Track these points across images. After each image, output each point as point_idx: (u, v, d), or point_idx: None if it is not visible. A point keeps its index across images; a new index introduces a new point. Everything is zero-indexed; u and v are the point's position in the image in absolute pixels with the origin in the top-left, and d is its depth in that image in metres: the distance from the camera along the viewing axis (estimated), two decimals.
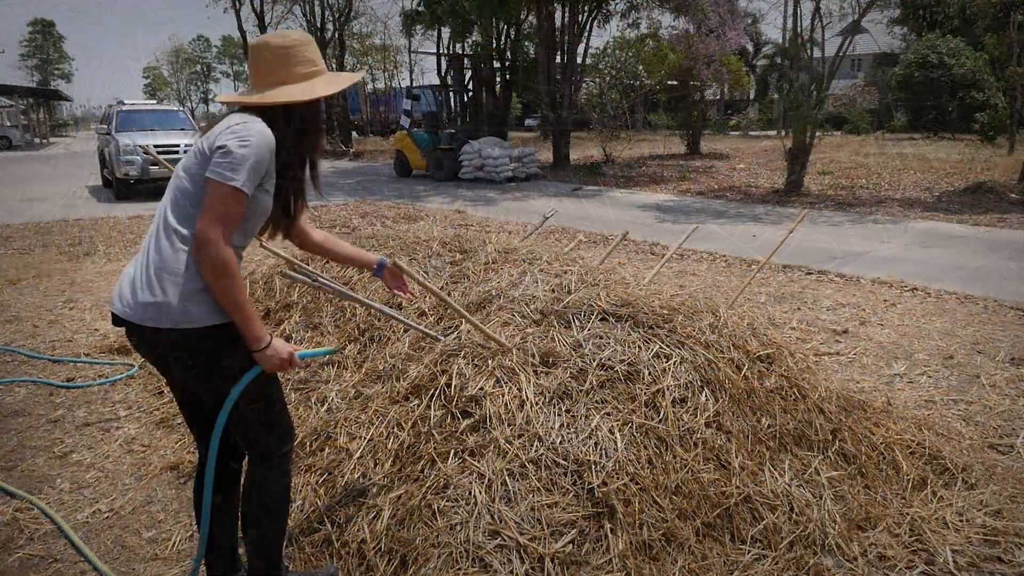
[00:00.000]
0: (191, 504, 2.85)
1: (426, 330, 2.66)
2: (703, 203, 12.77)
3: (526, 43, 23.91)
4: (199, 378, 1.95)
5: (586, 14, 19.36)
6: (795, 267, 7.15)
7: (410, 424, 2.64)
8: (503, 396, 2.52)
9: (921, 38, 29.80)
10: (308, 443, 2.87)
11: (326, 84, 1.99)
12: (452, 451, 2.44)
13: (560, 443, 2.36)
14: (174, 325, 1.83)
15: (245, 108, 1.95)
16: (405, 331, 3.26)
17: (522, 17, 22.32)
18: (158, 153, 14.91)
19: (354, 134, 32.92)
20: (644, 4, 20.90)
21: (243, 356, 1.93)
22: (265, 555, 2.13)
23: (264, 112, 1.92)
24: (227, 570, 2.24)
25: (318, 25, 30.44)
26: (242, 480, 2.18)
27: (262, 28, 30.82)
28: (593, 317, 2.83)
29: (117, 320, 1.93)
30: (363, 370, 3.17)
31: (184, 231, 1.85)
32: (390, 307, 3.45)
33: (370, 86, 41.33)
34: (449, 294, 3.37)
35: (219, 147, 1.82)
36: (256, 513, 2.10)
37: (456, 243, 4.02)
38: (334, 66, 31.59)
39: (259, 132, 1.85)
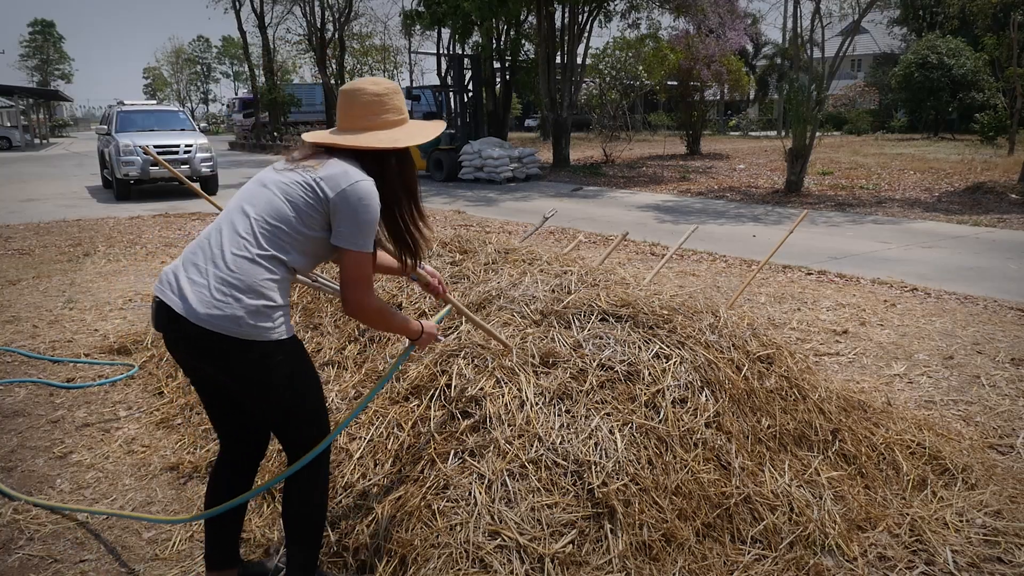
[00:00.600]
0: (191, 504, 2.85)
1: None
2: (703, 203, 12.77)
3: (525, 42, 23.92)
4: (251, 388, 1.95)
5: (586, 14, 19.37)
6: (795, 267, 7.15)
7: (410, 425, 2.64)
8: (503, 396, 2.52)
9: (921, 38, 29.82)
10: None
11: (408, 135, 2.04)
12: (452, 452, 2.43)
13: (560, 443, 2.36)
14: (239, 335, 1.84)
15: (332, 150, 1.98)
16: None
17: (522, 17, 22.33)
18: (158, 153, 14.87)
19: None
20: (644, 4, 20.91)
21: (293, 369, 1.97)
22: (301, 562, 2.16)
23: (357, 155, 1.97)
24: (226, 564, 2.24)
25: (318, 25, 30.45)
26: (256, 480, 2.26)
27: (262, 28, 30.83)
28: (593, 317, 2.83)
29: (161, 317, 1.90)
30: (363, 370, 3.17)
31: (270, 252, 1.88)
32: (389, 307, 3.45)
33: None
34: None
35: (341, 211, 1.87)
36: (296, 522, 2.13)
37: (456, 243, 4.02)
38: (334, 66, 31.66)
39: (373, 194, 1.91)
